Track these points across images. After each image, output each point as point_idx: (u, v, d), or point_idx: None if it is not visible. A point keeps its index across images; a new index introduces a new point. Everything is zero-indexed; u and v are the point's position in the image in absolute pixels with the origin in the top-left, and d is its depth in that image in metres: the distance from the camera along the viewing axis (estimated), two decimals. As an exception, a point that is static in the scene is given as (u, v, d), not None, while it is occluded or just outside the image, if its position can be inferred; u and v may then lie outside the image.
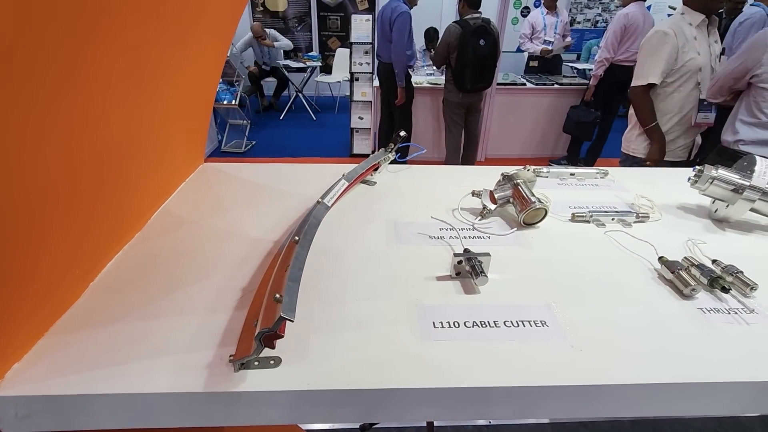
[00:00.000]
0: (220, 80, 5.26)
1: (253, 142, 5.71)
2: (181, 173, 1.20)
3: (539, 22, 5.59)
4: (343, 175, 1.08)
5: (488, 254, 0.84)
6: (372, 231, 1.01)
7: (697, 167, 1.08)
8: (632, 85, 2.19)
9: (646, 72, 2.10)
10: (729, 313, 0.78)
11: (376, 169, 1.23)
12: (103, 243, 0.85)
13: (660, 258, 0.89)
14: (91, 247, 0.81)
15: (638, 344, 0.71)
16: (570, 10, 6.96)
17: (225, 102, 5.30)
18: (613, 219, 1.08)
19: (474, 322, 0.74)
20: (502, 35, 4.63)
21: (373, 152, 5.67)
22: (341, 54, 6.93)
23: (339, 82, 6.89)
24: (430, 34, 5.75)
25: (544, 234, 1.03)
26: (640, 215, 1.08)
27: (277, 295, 0.62)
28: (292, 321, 0.59)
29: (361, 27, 4.90)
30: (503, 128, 5.10)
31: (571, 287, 0.84)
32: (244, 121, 5.51)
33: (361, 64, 5.01)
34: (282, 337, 0.61)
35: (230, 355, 0.63)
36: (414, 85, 4.59)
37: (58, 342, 0.66)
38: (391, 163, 1.33)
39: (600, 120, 4.48)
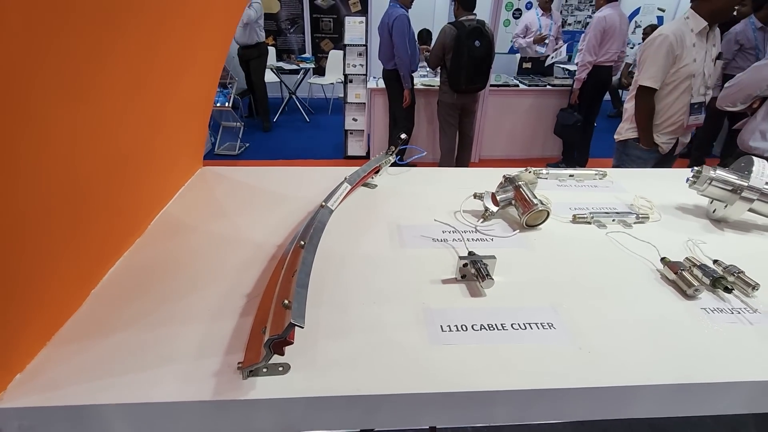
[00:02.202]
0: (213, 82, 5.23)
1: (247, 144, 5.68)
2: (180, 178, 1.19)
3: (534, 22, 5.64)
4: (346, 178, 1.07)
5: (494, 257, 0.84)
6: (375, 234, 1.01)
7: (695, 168, 1.10)
8: (640, 84, 2.19)
9: (649, 74, 2.12)
10: (732, 313, 0.78)
11: (377, 172, 1.23)
12: (104, 250, 0.83)
13: (662, 259, 0.89)
14: (92, 254, 0.79)
15: (644, 345, 0.71)
16: (561, 12, 7.02)
17: (218, 104, 5.26)
18: (613, 220, 1.08)
19: (482, 325, 0.74)
20: (495, 37, 4.66)
21: (367, 154, 5.66)
22: (334, 56, 6.93)
23: (332, 83, 6.88)
24: (423, 35, 5.77)
25: (547, 236, 1.03)
26: (640, 216, 1.09)
27: (286, 302, 0.62)
28: (302, 327, 0.58)
29: (354, 29, 4.90)
30: (496, 129, 5.13)
31: (575, 289, 0.85)
32: (237, 124, 5.47)
33: (354, 66, 5.02)
34: (291, 343, 0.60)
35: (238, 363, 0.63)
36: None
37: (61, 352, 0.65)
38: (391, 165, 1.33)
39: (583, 122, 4.55)
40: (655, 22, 6.63)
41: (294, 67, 6.74)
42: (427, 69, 5.10)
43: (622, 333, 0.74)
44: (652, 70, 2.12)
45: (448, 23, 3.84)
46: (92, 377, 0.61)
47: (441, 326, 0.73)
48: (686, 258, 0.90)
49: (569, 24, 7.24)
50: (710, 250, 0.98)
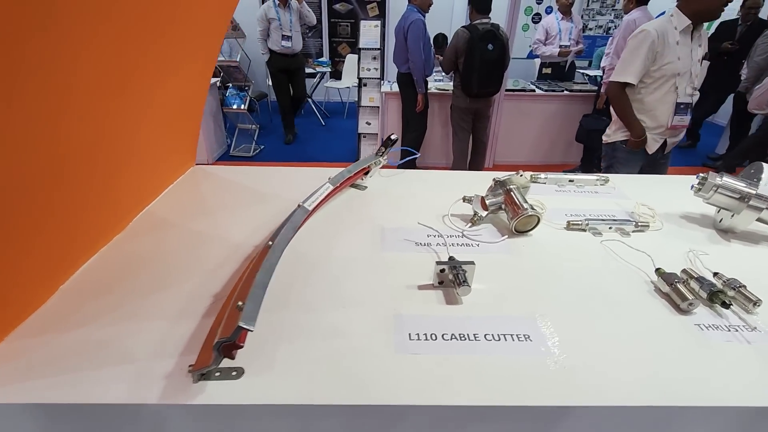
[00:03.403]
0: (230, 85, 5.32)
1: (262, 147, 5.73)
2: (169, 175, 1.18)
3: (554, 27, 5.52)
4: (329, 179, 1.05)
5: (472, 263, 0.80)
6: (357, 236, 0.98)
7: (701, 174, 1.03)
8: (610, 79, 2.15)
9: (626, 70, 2.06)
10: (729, 331, 0.72)
11: (367, 173, 1.20)
12: (76, 246, 0.83)
13: (657, 270, 0.84)
14: (63, 250, 0.79)
15: (628, 362, 0.66)
16: (582, 16, 6.88)
17: (234, 107, 5.34)
18: (610, 228, 1.03)
19: (453, 334, 0.70)
20: (512, 41, 4.59)
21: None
22: (351, 60, 6.95)
23: (348, 87, 6.90)
24: (439, 40, 5.73)
25: (537, 242, 0.98)
26: (640, 224, 1.03)
27: (240, 303, 0.59)
28: (252, 330, 0.56)
29: (369, 33, 4.90)
30: (512, 135, 5.04)
31: (561, 299, 0.80)
32: (253, 126, 5.53)
33: (369, 70, 5.01)
34: (241, 347, 0.58)
35: (189, 365, 0.61)
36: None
37: (16, 348, 0.64)
38: (383, 167, 1.30)
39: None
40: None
41: (311, 70, 6.79)
42: (442, 73, 5.06)
43: (606, 348, 0.69)
44: (629, 66, 2.05)
45: (462, 27, 3.80)
46: (42, 374, 0.60)
47: (409, 334, 0.70)
48: (684, 270, 0.85)
49: (590, 29, 7.09)
50: (712, 261, 0.91)
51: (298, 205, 0.90)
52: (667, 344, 0.70)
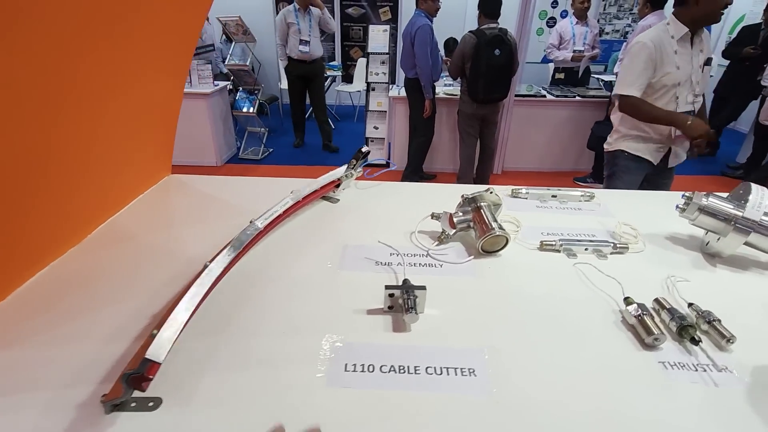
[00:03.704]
0: (240, 89, 5.37)
1: (270, 150, 5.76)
2: (138, 185, 1.17)
3: (568, 31, 5.40)
4: (292, 192, 1.02)
5: (424, 287, 0.76)
6: (316, 254, 0.94)
7: (686, 194, 0.97)
8: (618, 93, 2.05)
9: (628, 83, 1.98)
10: (696, 370, 0.66)
11: (338, 186, 1.17)
12: (24, 259, 0.82)
13: (626, 299, 0.78)
14: (9, 263, 0.78)
15: (582, 402, 0.61)
16: (598, 20, 6.73)
17: (244, 110, 5.39)
18: (586, 249, 0.97)
19: (392, 366, 0.66)
20: (524, 46, 4.50)
21: (387, 163, 5.61)
22: (362, 64, 6.94)
23: (359, 91, 6.90)
24: (450, 44, 5.67)
25: (505, 264, 0.93)
26: (619, 246, 0.97)
27: (155, 331, 0.57)
28: (160, 363, 0.53)
29: (378, 37, 4.89)
30: (521, 141, 4.94)
31: (519, 328, 0.75)
32: (262, 129, 5.57)
33: (377, 74, 5.00)
34: (150, 380, 0.55)
35: (103, 395, 0.58)
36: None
37: (-66, 369, 0.63)
38: (359, 179, 1.27)
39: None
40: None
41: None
42: (451, 78, 5.00)
43: (558, 384, 0.64)
44: (630, 78, 1.97)
45: (469, 31, 3.74)
46: (-46, 399, 0.58)
47: (346, 365, 0.66)
48: (656, 299, 0.79)
49: (607, 33, 6.92)
50: (693, 289, 0.85)
51: (250, 222, 0.88)
52: (627, 384, 0.64)
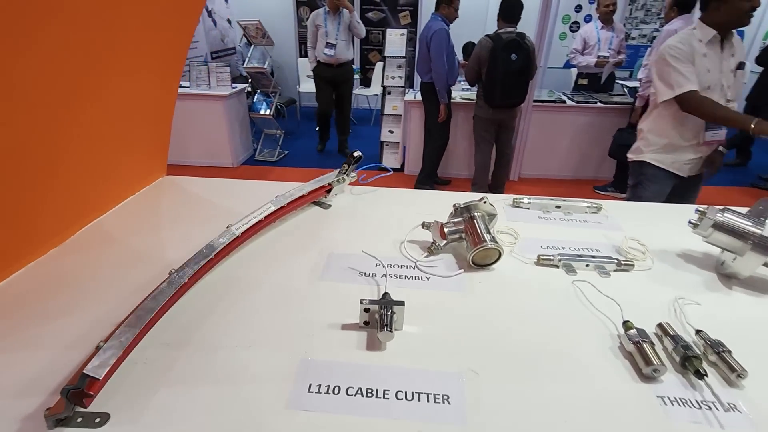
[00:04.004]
0: (257, 91, 5.42)
1: (286, 152, 5.79)
2: (129, 186, 1.16)
3: (592, 36, 5.25)
4: (276, 196, 0.98)
5: (402, 303, 0.70)
6: (299, 262, 0.90)
7: (700, 208, 0.89)
8: (678, 94, 1.91)
9: (683, 80, 1.86)
10: (700, 408, 0.59)
11: (329, 191, 1.13)
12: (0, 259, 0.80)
13: (625, 323, 0.71)
14: (-19, 264, 0.76)
15: (562, 440, 0.55)
16: (624, 25, 6.53)
17: (261, 112, 5.44)
18: (587, 265, 0.90)
19: (359, 388, 0.61)
20: (544, 50, 4.40)
21: (402, 167, 5.55)
22: (380, 67, 6.94)
23: (376, 95, 6.88)
24: (468, 49, 5.59)
25: (497, 278, 0.87)
26: (623, 262, 0.89)
27: (101, 343, 0.53)
28: (98, 379, 0.50)
29: (395, 41, 4.86)
30: (540, 147, 4.82)
31: (504, 351, 0.69)
32: (278, 131, 5.60)
33: (393, 78, 4.96)
34: (91, 396, 0.51)
35: (47, 409, 0.55)
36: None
37: None
38: (354, 184, 1.23)
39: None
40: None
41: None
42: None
43: (540, 417, 0.58)
44: (681, 77, 1.84)
45: (485, 35, 3.67)
46: None
47: (310, 385, 0.62)
48: (660, 324, 0.71)
49: (633, 38, 6.72)
50: (702, 314, 0.77)
51: (227, 227, 0.84)
52: (618, 420, 0.58)
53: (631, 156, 2.26)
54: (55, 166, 0.87)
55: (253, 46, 5.27)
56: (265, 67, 5.32)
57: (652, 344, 0.66)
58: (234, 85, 4.86)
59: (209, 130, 4.82)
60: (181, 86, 4.76)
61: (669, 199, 2.11)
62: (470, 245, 0.88)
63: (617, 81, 5.76)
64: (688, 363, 0.63)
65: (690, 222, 0.90)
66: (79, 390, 0.50)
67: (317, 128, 5.74)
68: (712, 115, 1.89)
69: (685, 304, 0.79)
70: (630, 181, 2.34)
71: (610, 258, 0.91)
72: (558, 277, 0.88)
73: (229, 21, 7.04)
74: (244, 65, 5.48)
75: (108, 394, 0.57)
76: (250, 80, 5.50)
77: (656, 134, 2.05)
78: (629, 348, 0.67)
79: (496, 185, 4.26)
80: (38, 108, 0.78)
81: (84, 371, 0.49)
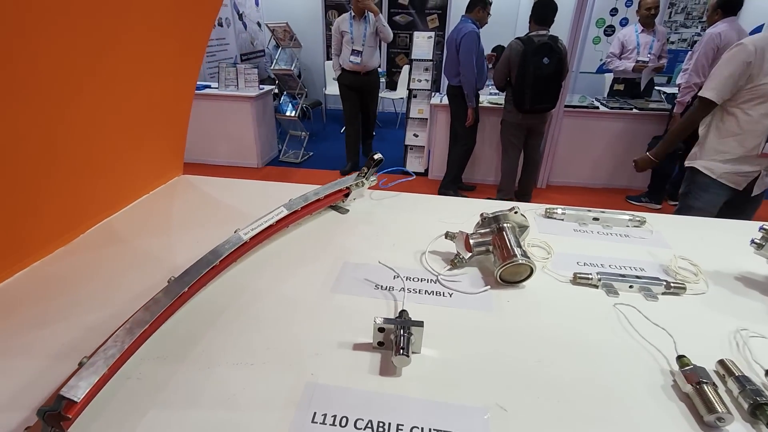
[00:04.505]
0: (284, 93, 5.45)
1: (310, 153, 5.80)
2: (143, 185, 1.13)
3: (631, 40, 5.02)
4: (290, 200, 0.92)
5: (421, 323, 0.63)
6: (310, 271, 0.84)
7: (765, 225, 0.78)
8: (700, 94, 1.87)
9: (710, 86, 1.80)
10: (776, 469, 0.49)
11: (347, 195, 1.06)
12: (4, 258, 0.77)
13: (680, 357, 0.61)
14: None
15: (605, 501, 0.46)
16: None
17: (287, 113, 5.46)
18: (631, 286, 0.80)
19: (370, 421, 0.54)
20: (579, 55, 4.24)
21: (426, 171, 5.47)
22: (406, 71, 6.89)
23: (402, 98, 6.84)
24: (498, 52, 5.48)
25: (528, 297, 0.78)
26: (673, 285, 0.79)
27: (85, 359, 0.48)
28: (76, 402, 0.44)
29: (422, 44, 4.79)
30: (570, 154, 4.65)
31: (537, 383, 0.60)
32: (303, 133, 5.62)
33: (420, 81, 4.89)
34: (69, 420, 0.46)
35: (27, 428, 0.50)
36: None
37: None
38: (374, 188, 1.16)
39: (684, 152, 3.87)
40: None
41: (366, 80, 6.79)
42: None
43: (579, 470, 0.49)
44: (713, 82, 1.78)
45: (516, 38, 3.56)
46: None
47: (315, 414, 0.55)
48: (721, 361, 0.61)
49: (672, 42, 6.43)
50: (771, 350, 0.66)
51: (234, 232, 0.79)
52: (674, 478, 0.48)
53: (687, 162, 2.12)
54: (61, 163, 0.84)
55: (281, 48, 5.31)
56: (292, 69, 5.35)
57: (714, 386, 0.56)
58: (261, 86, 4.89)
59: (236, 131, 4.87)
60: (209, 87, 4.84)
61: (723, 213, 1.95)
62: (498, 259, 0.80)
63: (655, 87, 5.51)
64: (760, 412, 0.53)
65: (753, 242, 0.79)
66: (55, 412, 0.44)
67: (342, 131, 5.65)
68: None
69: (750, 336, 0.69)
70: (682, 188, 2.19)
71: (658, 279, 0.80)
72: (597, 298, 0.79)
73: (258, 24, 7.14)
74: (272, 67, 5.53)
75: (93, 413, 0.52)
76: (277, 82, 5.53)
77: (713, 141, 1.90)
78: (686, 389, 0.58)
79: (523, 192, 4.13)
80: (44, 103, 0.74)
81: (60, 392, 0.43)
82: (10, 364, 0.61)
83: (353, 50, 4.39)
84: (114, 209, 1.03)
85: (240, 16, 6.66)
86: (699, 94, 1.86)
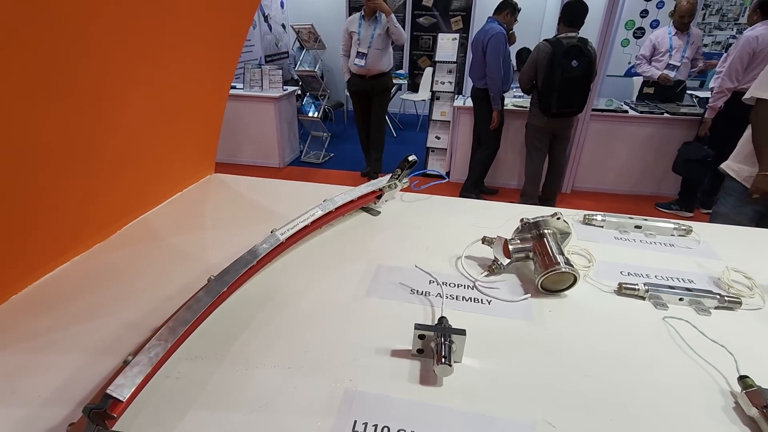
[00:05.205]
0: (307, 94, 5.49)
1: (331, 155, 5.83)
2: (176, 183, 1.14)
3: (664, 42, 4.85)
4: (324, 200, 0.91)
5: (463, 332, 0.61)
6: (345, 274, 0.83)
7: (831, 240, 0.73)
8: (759, 96, 1.76)
9: (762, 84, 1.68)
10: None
11: (380, 197, 1.05)
12: (44, 252, 0.78)
13: (741, 378, 0.57)
14: (26, 256, 0.74)
15: None
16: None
17: (309, 114, 5.50)
18: (681, 299, 0.76)
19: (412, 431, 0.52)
20: (606, 57, 4.15)
21: (447, 174, 5.42)
22: (429, 73, 6.86)
23: (424, 100, 6.81)
24: (523, 55, 5.39)
25: (571, 307, 0.75)
26: (728, 298, 0.75)
27: (129, 357, 0.48)
28: (122, 401, 0.44)
29: (446, 46, 4.76)
30: (596, 159, 4.54)
31: (587, 398, 0.57)
32: (325, 134, 5.65)
33: (443, 83, 4.86)
34: (114, 418, 0.46)
35: (70, 425, 0.50)
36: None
37: None
38: (405, 190, 1.14)
39: (715, 159, 3.72)
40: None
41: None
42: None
43: (637, 495, 0.46)
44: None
45: (544, 40, 3.50)
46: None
47: (355, 422, 0.53)
48: (787, 383, 0.57)
49: (706, 45, 6.23)
50: (839, 373, 0.62)
51: (271, 232, 0.78)
52: None
53: (723, 167, 2.02)
54: (104, 160, 0.85)
55: (305, 49, 5.35)
56: (316, 70, 5.38)
57: (783, 411, 0.52)
58: (285, 87, 4.94)
59: (259, 131, 4.92)
60: (234, 87, 4.91)
61: (762, 222, 1.85)
62: (539, 267, 0.77)
63: (687, 91, 5.34)
64: (835, 440, 0.49)
65: (816, 255, 0.74)
66: (101, 410, 0.44)
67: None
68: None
69: (815, 357, 0.64)
70: (719, 195, 2.10)
71: (710, 292, 0.76)
72: (644, 310, 0.75)
73: (283, 26, 7.23)
74: (296, 68, 5.58)
75: (134, 411, 0.52)
76: (300, 83, 5.58)
77: (746, 139, 1.81)
78: (751, 412, 0.54)
79: (547, 197, 4.05)
80: (87, 101, 0.75)
81: (107, 391, 0.43)
82: (52, 359, 0.61)
83: (358, 52, 4.17)
84: (150, 206, 1.04)
85: (266, 18, 6.75)
86: (755, 95, 1.74)
